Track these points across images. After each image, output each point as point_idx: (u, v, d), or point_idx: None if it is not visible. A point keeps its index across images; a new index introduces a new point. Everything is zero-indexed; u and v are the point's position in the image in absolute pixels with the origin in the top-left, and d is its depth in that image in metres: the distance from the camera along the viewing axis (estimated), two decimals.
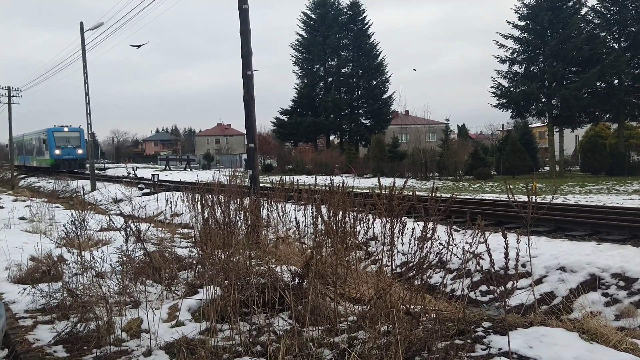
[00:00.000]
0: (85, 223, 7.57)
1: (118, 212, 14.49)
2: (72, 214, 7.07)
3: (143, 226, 7.22)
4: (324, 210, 5.24)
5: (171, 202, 13.53)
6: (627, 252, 7.57)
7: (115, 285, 5.88)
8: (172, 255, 7.82)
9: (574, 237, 9.11)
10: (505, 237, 3.14)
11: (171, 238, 10.23)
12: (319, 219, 4.66)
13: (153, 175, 27.01)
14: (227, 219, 4.66)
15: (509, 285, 3.30)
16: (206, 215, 5.08)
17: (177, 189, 17.23)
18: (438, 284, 7.89)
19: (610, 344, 4.10)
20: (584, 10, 43.22)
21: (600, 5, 43.01)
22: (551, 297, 6.93)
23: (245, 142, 10.65)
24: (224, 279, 5.26)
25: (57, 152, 47.96)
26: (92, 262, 5.82)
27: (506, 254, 2.88)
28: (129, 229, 5.63)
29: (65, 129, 49.52)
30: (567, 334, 4.32)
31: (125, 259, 6.18)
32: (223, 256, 5.04)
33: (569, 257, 7.55)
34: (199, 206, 7.19)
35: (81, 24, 29.28)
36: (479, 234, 4.62)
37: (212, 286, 5.30)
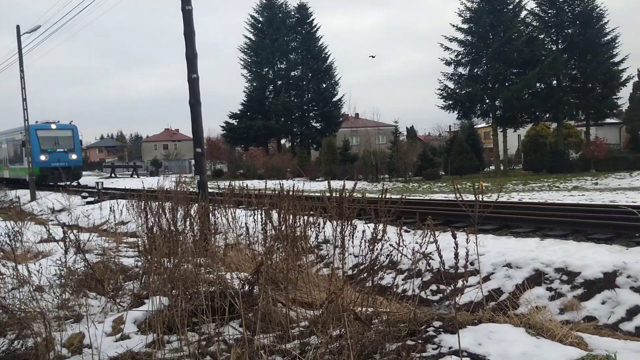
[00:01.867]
0: (22, 234, 7.18)
1: (60, 221, 13.87)
2: (6, 226, 6.69)
3: (84, 236, 6.92)
4: (274, 215, 5.15)
5: (116, 210, 13.07)
6: (569, 247, 7.83)
7: (55, 299, 5.60)
8: (118, 265, 7.53)
9: (519, 233, 9.37)
10: (455, 237, 3.16)
11: (116, 248, 9.88)
12: (268, 224, 4.57)
13: (97, 182, 26.16)
14: (172, 227, 4.50)
15: (459, 284, 3.31)
16: (150, 224, 4.89)
17: (122, 197, 16.71)
18: (390, 285, 7.94)
19: (556, 338, 4.19)
20: (523, 13, 44.91)
21: (538, 9, 44.81)
22: (499, 294, 7.08)
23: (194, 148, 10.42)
24: (171, 289, 5.09)
25: (43, 157, 33.75)
26: (29, 276, 5.51)
27: (456, 254, 2.89)
28: (67, 240, 5.36)
29: (53, 126, 35.22)
30: (514, 329, 4.39)
31: (65, 271, 5.89)
32: (169, 265, 4.87)
33: (514, 254, 7.75)
34: (144, 214, 6.95)
35: (17, 27, 28.09)
36: (429, 234, 4.65)
37: (158, 296, 5.12)
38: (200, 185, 9.82)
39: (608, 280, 6.52)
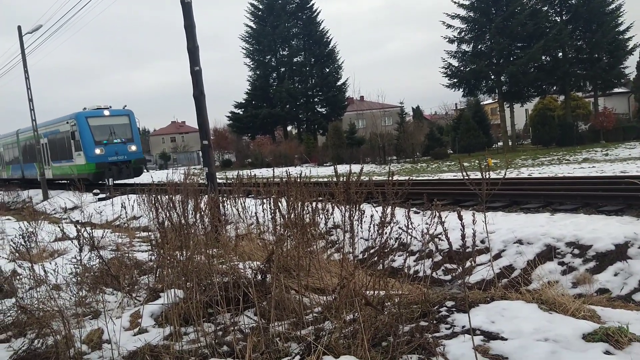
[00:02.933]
0: (36, 235, 7.29)
1: (72, 220, 14.04)
2: (20, 227, 6.79)
3: (98, 233, 7.01)
4: (283, 203, 5.19)
5: (128, 205, 13.20)
6: (580, 220, 7.81)
7: (72, 297, 5.70)
8: (132, 260, 7.63)
9: (528, 209, 9.35)
10: (460, 217, 3.17)
11: (130, 243, 9.99)
12: (277, 213, 4.61)
13: (107, 179, 26.50)
14: (182, 220, 4.55)
15: (467, 263, 3.33)
16: (161, 218, 4.95)
17: (133, 192, 16.84)
18: (402, 267, 7.98)
19: (568, 313, 4.22)
20: None
21: None
22: (510, 271, 7.10)
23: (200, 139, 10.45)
24: (185, 281, 5.16)
25: (98, 151, 27.18)
26: (45, 275, 5.61)
27: (463, 235, 2.91)
28: (81, 238, 5.44)
29: (106, 112, 28.20)
30: (526, 305, 4.42)
31: (80, 268, 5.98)
32: (182, 258, 4.94)
33: (524, 230, 7.75)
34: (155, 209, 7.01)
35: (19, 27, 28.12)
36: (437, 214, 4.66)
37: (173, 289, 5.20)
38: (209, 177, 9.87)
39: (620, 252, 6.51)
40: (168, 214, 5.13)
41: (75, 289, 5.87)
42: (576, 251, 6.90)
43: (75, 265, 6.08)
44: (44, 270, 5.53)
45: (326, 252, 7.98)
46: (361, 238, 6.82)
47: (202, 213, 5.38)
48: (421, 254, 7.94)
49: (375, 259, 5.28)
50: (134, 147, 28.00)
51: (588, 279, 6.18)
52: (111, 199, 18.77)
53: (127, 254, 8.01)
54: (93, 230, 6.38)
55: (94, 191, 22.58)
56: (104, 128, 27.37)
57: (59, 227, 6.45)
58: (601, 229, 7.09)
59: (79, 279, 5.98)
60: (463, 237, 2.85)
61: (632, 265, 6.25)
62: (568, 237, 7.17)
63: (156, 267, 6.13)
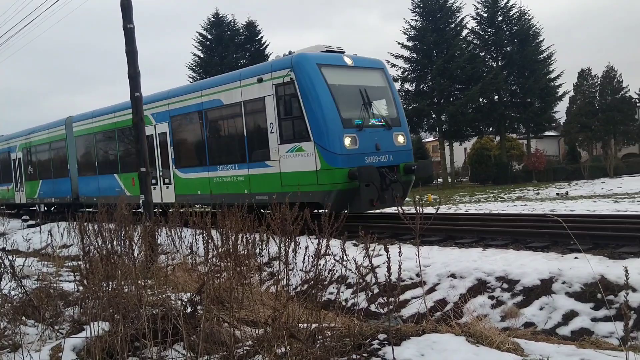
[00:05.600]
0: None
1: None
2: None
3: (20, 261, 6.66)
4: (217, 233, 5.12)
5: (57, 233, 12.63)
6: (509, 255, 8.10)
7: None
8: (57, 290, 7.27)
9: (463, 244, 9.61)
10: (387, 250, 3.23)
11: (57, 272, 9.53)
12: (210, 243, 4.54)
13: (38, 205, 25.11)
14: (110, 249, 4.40)
15: (391, 297, 3.38)
16: (87, 247, 4.77)
17: (63, 219, 16.15)
18: (339, 299, 7.98)
19: (494, 346, 4.33)
20: (465, 32, 46.61)
21: (478, 27, 46.67)
22: (444, 304, 7.24)
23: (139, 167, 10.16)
24: (113, 313, 4.95)
25: (348, 141, 12.08)
26: None
27: (388, 268, 2.95)
28: (2, 266, 5.14)
29: (348, 60, 13.18)
30: (455, 338, 4.51)
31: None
32: (109, 289, 4.75)
33: (458, 264, 7.95)
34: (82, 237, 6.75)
35: None
36: (374, 248, 4.73)
37: (98, 322, 4.97)
38: (145, 205, 9.63)
39: (545, 287, 6.78)
40: (96, 243, 4.95)
41: None
42: (505, 285, 7.13)
43: None
44: None
45: (263, 284, 7.89)
46: (300, 270, 6.80)
47: (132, 242, 5.21)
48: (357, 287, 7.98)
49: (311, 290, 5.26)
50: (401, 139, 13.47)
51: (515, 313, 6.38)
52: (40, 227, 17.91)
53: (52, 284, 7.63)
54: (15, 258, 6.05)
55: (23, 217, 21.51)
56: (351, 92, 12.79)
57: None
58: (528, 265, 7.37)
59: None
60: (388, 269, 2.90)
61: (556, 300, 6.51)
62: (498, 271, 7.40)
63: (81, 298, 5.86)
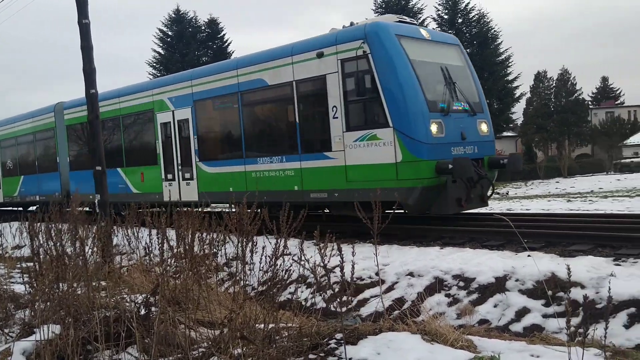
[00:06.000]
0: None
1: None
2: None
3: None
4: (172, 233, 5.04)
5: (8, 233, 12.21)
6: (466, 254, 8.26)
7: None
8: (8, 293, 7.02)
9: (421, 243, 9.75)
10: (340, 250, 3.23)
11: (7, 274, 9.19)
12: (165, 243, 4.46)
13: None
14: (60, 250, 4.27)
15: (346, 297, 3.39)
16: (36, 247, 4.62)
17: (16, 219, 15.62)
18: (299, 299, 7.97)
19: (448, 343, 4.41)
20: None
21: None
22: (402, 302, 7.32)
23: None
24: (65, 316, 4.81)
25: (435, 128, 10.11)
26: None
27: (341, 267, 2.96)
28: None
29: (425, 33, 11.31)
30: (411, 337, 4.57)
31: None
32: (59, 291, 4.61)
33: (416, 263, 8.06)
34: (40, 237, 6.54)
35: None
36: (333, 247, 4.76)
37: (49, 325, 4.82)
38: (101, 205, 9.41)
39: (499, 285, 6.94)
40: (46, 244, 4.80)
41: None
42: (461, 283, 7.27)
43: None
44: None
45: (223, 285, 7.82)
46: (260, 270, 6.76)
47: (83, 242, 5.08)
48: (315, 287, 7.99)
49: (269, 290, 5.23)
50: (485, 127, 11.72)
51: (470, 310, 6.51)
52: None
53: (3, 286, 7.36)
54: None
55: None
56: (432, 70, 10.95)
57: None
58: (484, 263, 7.53)
59: None
60: (341, 269, 2.91)
61: (509, 297, 6.67)
62: (455, 270, 7.54)
63: (31, 300, 5.67)
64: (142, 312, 4.61)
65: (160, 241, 4.49)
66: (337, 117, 10.68)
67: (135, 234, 8.32)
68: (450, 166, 9.71)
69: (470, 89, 11.64)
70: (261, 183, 12.04)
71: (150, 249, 6.11)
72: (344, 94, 10.55)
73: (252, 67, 12.42)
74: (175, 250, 4.66)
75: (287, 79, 11.57)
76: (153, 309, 4.64)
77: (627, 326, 5.71)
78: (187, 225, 4.68)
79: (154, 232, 7.68)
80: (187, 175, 14.21)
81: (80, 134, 18.28)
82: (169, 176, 14.73)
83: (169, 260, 4.67)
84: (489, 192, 11.07)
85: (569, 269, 2.78)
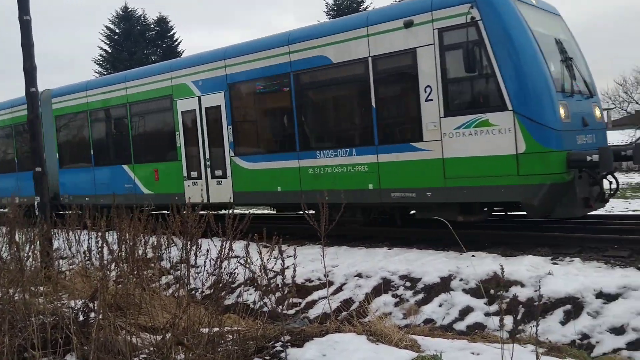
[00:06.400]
0: None
1: None
2: None
3: None
4: (113, 236, 4.90)
5: None
6: (412, 255, 8.40)
7: None
8: None
9: (370, 244, 9.84)
10: (281, 253, 3.22)
11: None
12: (105, 247, 4.33)
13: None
14: None
15: (287, 300, 3.39)
16: None
17: None
18: (247, 302, 7.91)
19: (392, 343, 4.47)
20: None
21: None
22: (350, 303, 7.37)
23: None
24: (0, 322, 4.60)
25: (563, 113, 8.35)
26: None
27: (282, 270, 2.95)
28: None
29: None
30: (357, 338, 4.60)
31: None
32: None
33: (364, 264, 8.14)
34: None
35: None
36: (280, 249, 4.74)
37: None
38: (41, 207, 9.02)
39: (444, 284, 7.10)
40: None
41: None
42: (408, 284, 7.39)
43: None
44: None
45: (168, 289, 7.66)
46: (206, 272, 6.66)
47: (18, 246, 4.87)
48: (261, 289, 7.95)
49: (217, 294, 5.16)
50: (598, 112, 10.05)
51: (415, 310, 6.63)
52: None
53: None
54: None
55: None
56: (550, 43, 9.25)
57: None
58: (430, 263, 7.69)
59: None
60: (282, 272, 2.89)
61: (454, 297, 6.83)
62: (402, 270, 7.66)
63: None
64: (81, 318, 4.46)
65: (100, 245, 4.36)
66: (431, 100, 8.94)
67: (77, 237, 8.03)
68: (590, 158, 7.99)
69: (583, 67, 9.90)
70: (321, 181, 10.32)
71: (90, 253, 5.91)
72: (442, 71, 8.85)
73: (308, 43, 10.46)
74: (115, 254, 4.53)
75: (359, 54, 9.81)
76: (92, 314, 4.49)
77: (563, 323, 5.95)
78: (128, 228, 4.56)
79: (99, 235, 7.46)
80: (218, 173, 12.23)
81: (75, 125, 15.90)
82: (193, 174, 12.77)
83: (109, 264, 4.53)
84: (611, 190, 9.15)
85: (502, 268, 2.86)
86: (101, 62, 52.67)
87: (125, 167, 14.19)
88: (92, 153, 15.27)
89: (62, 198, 15.93)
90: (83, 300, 4.51)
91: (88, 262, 7.36)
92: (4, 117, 18.34)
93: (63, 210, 11.56)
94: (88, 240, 6.34)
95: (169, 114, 13.11)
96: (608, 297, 6.00)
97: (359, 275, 7.92)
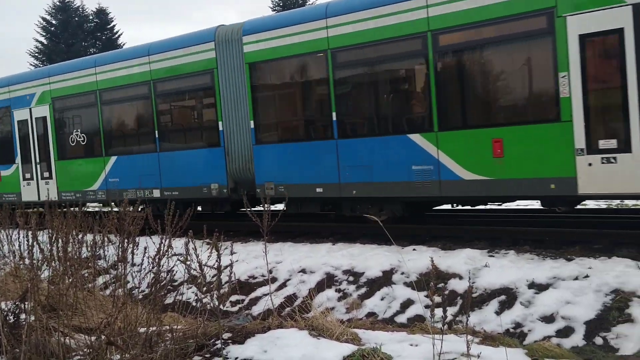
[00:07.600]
0: None
1: None
2: None
3: None
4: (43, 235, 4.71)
5: None
6: (355, 250, 8.50)
7: None
8: None
9: (315, 240, 9.88)
10: (217, 250, 3.20)
11: None
12: (36, 246, 4.15)
13: None
14: None
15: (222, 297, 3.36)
16: None
17: None
18: (190, 300, 7.79)
19: (334, 337, 4.51)
20: None
21: None
22: (294, 299, 7.39)
23: None
24: None
25: None
26: None
27: (218, 267, 2.92)
28: None
29: None
30: (298, 333, 4.61)
31: None
32: None
33: (308, 260, 8.18)
34: None
35: None
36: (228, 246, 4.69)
37: None
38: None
39: (386, 278, 7.23)
40: None
41: None
42: (351, 278, 7.48)
43: None
44: None
45: (106, 289, 7.43)
46: (144, 270, 6.52)
47: None
48: (201, 287, 7.87)
49: (156, 293, 5.04)
50: None
51: (357, 304, 6.72)
52: None
53: None
54: None
55: None
56: None
57: None
58: (373, 258, 7.81)
59: None
60: (218, 268, 2.87)
61: (395, 290, 6.97)
62: (345, 265, 7.74)
63: None
64: (11, 319, 4.26)
65: (30, 244, 4.18)
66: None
67: (9, 236, 7.67)
68: None
69: None
70: None
71: (21, 253, 5.67)
72: None
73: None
74: (45, 254, 4.35)
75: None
76: (23, 316, 4.30)
77: (498, 312, 6.18)
78: (60, 226, 4.39)
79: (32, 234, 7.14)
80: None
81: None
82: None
83: (40, 264, 4.36)
84: None
85: (432, 261, 2.95)
86: (37, 55, 50.40)
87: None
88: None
89: (261, 188, 10.49)
90: (13, 302, 4.31)
91: (20, 262, 7.07)
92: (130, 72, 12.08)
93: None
94: (18, 240, 6.08)
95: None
96: (539, 288, 6.28)
97: (303, 271, 7.95)
